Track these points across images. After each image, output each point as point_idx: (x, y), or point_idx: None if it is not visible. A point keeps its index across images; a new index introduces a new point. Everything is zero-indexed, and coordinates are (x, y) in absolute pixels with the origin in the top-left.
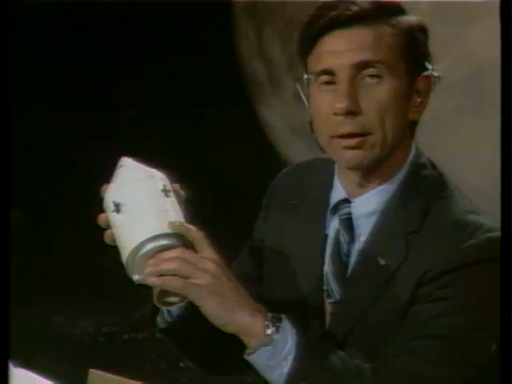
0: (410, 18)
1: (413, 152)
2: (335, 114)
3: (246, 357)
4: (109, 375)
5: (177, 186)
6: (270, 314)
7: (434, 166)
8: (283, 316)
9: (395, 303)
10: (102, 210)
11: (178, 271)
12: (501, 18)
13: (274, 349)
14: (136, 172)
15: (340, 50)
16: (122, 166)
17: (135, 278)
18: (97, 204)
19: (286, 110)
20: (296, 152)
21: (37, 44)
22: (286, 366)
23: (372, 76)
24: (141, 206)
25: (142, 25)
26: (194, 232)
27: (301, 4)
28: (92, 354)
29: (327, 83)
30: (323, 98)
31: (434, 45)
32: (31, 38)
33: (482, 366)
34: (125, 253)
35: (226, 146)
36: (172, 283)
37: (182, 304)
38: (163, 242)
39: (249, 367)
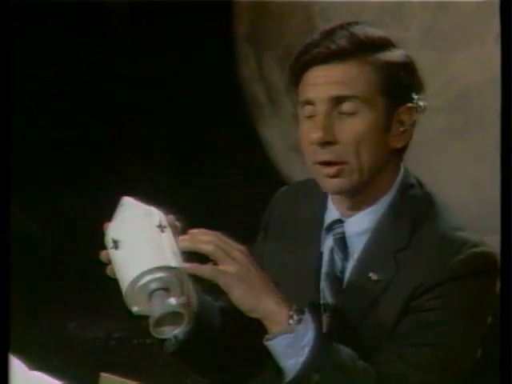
0: (390, 54)
1: (401, 173)
2: (311, 143)
3: (265, 342)
4: (119, 379)
5: (172, 217)
6: (294, 306)
7: (421, 186)
8: (306, 309)
9: (387, 316)
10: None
11: (211, 255)
12: (501, 17)
13: (295, 337)
14: (134, 210)
15: (319, 83)
16: (122, 205)
17: (134, 309)
18: (105, 213)
19: (285, 129)
20: (294, 169)
21: (37, 46)
22: (302, 356)
23: (348, 110)
24: (137, 242)
25: (142, 47)
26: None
27: (298, 32)
28: (103, 357)
29: (310, 115)
30: (306, 127)
31: (423, 70)
32: (31, 38)
33: (468, 372)
34: (124, 286)
35: (227, 163)
36: (203, 270)
37: (175, 333)
38: (158, 274)
39: (257, 377)
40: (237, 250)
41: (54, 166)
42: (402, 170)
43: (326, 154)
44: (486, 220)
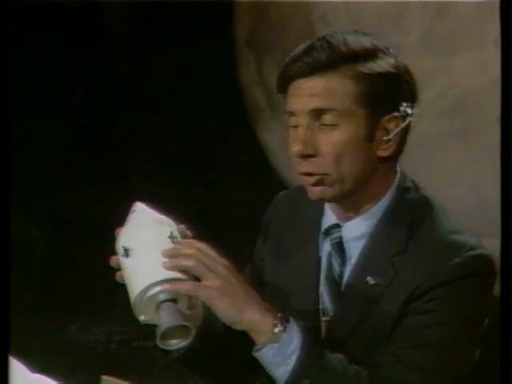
0: (374, 65)
1: (398, 177)
2: (292, 155)
3: (254, 353)
4: (120, 381)
5: (183, 227)
6: (279, 314)
7: (418, 189)
8: (291, 318)
9: (385, 319)
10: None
11: (192, 270)
12: (501, 17)
13: (281, 346)
14: (146, 218)
15: (300, 95)
16: (134, 211)
17: (141, 318)
18: (105, 216)
19: (285, 133)
20: (294, 173)
21: (37, 46)
22: (290, 364)
23: (329, 122)
24: (148, 251)
25: (142, 50)
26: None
27: (298, 36)
28: (104, 360)
29: (294, 125)
30: (290, 137)
31: (422, 74)
32: (31, 38)
33: (466, 373)
34: (132, 295)
35: (227, 167)
36: (184, 286)
37: (184, 345)
38: (168, 286)
39: (257, 380)
40: (220, 263)
41: (54, 169)
42: (398, 174)
43: (306, 166)
44: (486, 223)
